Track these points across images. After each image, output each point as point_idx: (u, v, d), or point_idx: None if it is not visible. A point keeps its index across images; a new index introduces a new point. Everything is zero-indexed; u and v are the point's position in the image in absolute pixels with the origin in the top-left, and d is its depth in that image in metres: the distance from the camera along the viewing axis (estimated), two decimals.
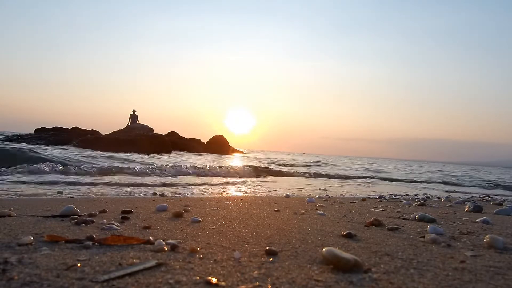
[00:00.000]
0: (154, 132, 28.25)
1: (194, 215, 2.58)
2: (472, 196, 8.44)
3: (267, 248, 1.55)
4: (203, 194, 5.37)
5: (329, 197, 5.74)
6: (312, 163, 22.65)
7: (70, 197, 4.18)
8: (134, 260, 1.33)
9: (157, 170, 10.01)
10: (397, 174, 19.61)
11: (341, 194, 7.20)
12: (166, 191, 5.77)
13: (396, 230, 2.27)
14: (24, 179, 6.83)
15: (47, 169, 8.28)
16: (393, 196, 6.82)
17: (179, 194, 5.17)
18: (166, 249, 1.51)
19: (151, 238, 1.70)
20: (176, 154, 23.32)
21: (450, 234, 2.16)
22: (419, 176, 18.93)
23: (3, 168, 7.71)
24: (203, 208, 3.22)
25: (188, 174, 10.41)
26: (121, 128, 28.19)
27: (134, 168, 9.89)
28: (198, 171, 10.89)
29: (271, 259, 1.43)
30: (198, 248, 1.54)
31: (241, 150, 39.31)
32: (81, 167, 9.06)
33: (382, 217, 2.89)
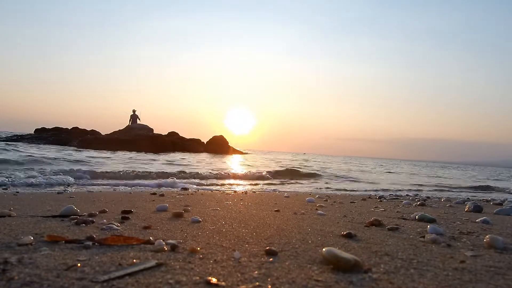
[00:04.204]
0: (154, 132, 28.26)
1: (194, 215, 2.58)
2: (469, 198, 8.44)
3: (267, 248, 1.55)
4: (203, 194, 5.37)
5: (329, 197, 5.74)
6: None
7: (70, 197, 4.19)
8: (134, 260, 1.33)
9: None
10: None
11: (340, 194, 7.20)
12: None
13: (396, 230, 2.27)
14: None
15: None
16: (393, 196, 6.82)
17: (180, 194, 5.17)
18: (166, 249, 1.51)
19: (151, 238, 1.70)
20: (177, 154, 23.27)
21: (450, 234, 2.16)
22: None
23: None
24: (203, 208, 3.22)
25: None
26: (121, 128, 28.20)
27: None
28: None
29: (271, 259, 1.43)
30: (198, 248, 1.54)
31: (241, 150, 39.32)
32: None
33: (382, 217, 2.89)
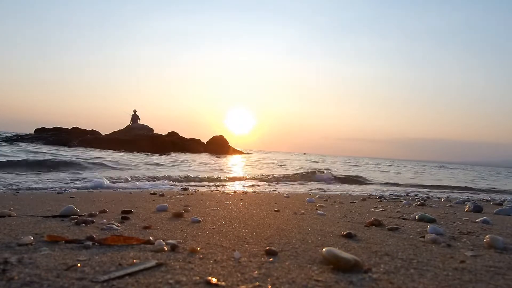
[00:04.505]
0: (154, 132, 28.25)
1: (194, 215, 2.58)
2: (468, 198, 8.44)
3: (267, 248, 1.55)
4: (203, 194, 5.37)
5: (329, 197, 5.74)
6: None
7: (70, 197, 4.18)
8: (134, 260, 1.33)
9: None
10: None
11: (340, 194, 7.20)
12: None
13: (396, 230, 2.27)
14: None
15: None
16: (393, 196, 6.82)
17: (180, 194, 5.17)
18: (166, 249, 1.51)
19: (151, 238, 1.70)
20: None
21: (450, 234, 2.16)
22: None
23: None
24: (203, 208, 3.22)
25: None
26: (121, 128, 28.20)
27: None
28: None
29: (271, 259, 1.43)
30: (198, 248, 1.54)
31: (241, 150, 39.31)
32: None
33: (382, 217, 2.89)
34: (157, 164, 14.14)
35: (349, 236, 2.00)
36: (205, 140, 32.52)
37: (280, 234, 1.99)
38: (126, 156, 17.12)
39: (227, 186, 8.81)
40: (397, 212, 3.48)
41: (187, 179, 9.84)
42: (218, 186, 8.84)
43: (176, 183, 8.57)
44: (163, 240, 1.64)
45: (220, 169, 13.97)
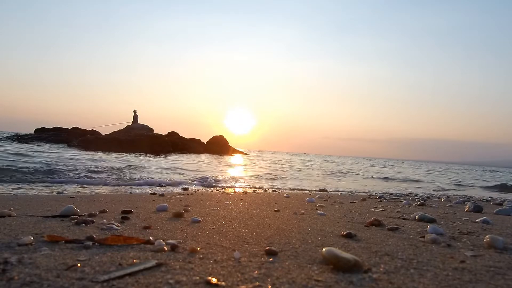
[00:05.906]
0: (154, 132, 28.24)
1: (194, 215, 2.58)
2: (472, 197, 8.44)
3: (267, 248, 1.55)
4: (203, 194, 5.37)
5: (329, 197, 5.74)
6: None
7: (70, 197, 4.18)
8: (134, 260, 1.33)
9: None
10: None
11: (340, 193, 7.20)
12: None
13: (396, 230, 2.27)
14: None
15: None
16: (393, 196, 6.82)
17: (180, 194, 5.17)
18: (166, 249, 1.51)
19: (151, 238, 1.70)
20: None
21: (450, 234, 2.16)
22: None
23: None
24: (203, 208, 3.22)
25: None
26: (121, 129, 28.20)
27: None
28: None
29: (271, 259, 1.43)
30: (198, 248, 1.54)
31: (241, 150, 39.30)
32: None
33: (382, 217, 2.89)
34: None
35: (349, 236, 2.00)
36: (205, 140, 32.49)
37: (280, 234, 1.99)
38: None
39: (227, 186, 8.81)
40: (397, 212, 3.48)
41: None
42: (218, 186, 8.85)
43: None
44: (163, 240, 1.64)
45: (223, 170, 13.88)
